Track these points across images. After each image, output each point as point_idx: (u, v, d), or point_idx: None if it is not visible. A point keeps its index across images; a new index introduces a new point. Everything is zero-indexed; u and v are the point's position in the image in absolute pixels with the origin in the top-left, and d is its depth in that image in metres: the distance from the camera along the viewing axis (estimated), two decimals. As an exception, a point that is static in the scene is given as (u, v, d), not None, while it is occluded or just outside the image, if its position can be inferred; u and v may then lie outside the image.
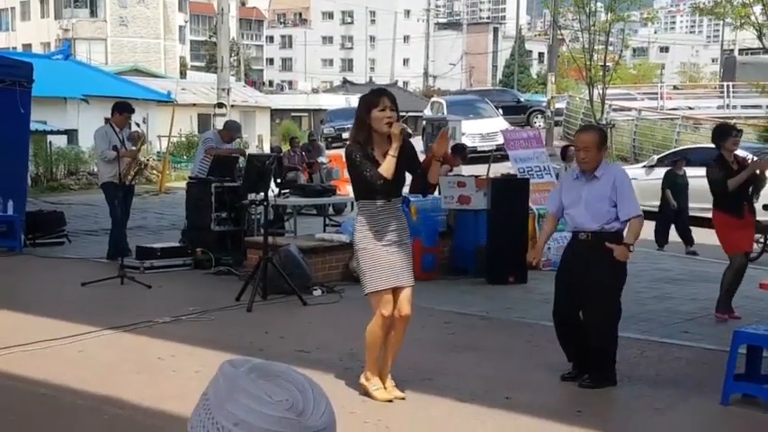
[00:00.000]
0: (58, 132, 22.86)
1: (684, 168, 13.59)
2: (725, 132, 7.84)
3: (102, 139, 10.16)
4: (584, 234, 5.51)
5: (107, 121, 10.39)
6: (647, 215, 17.76)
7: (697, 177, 15.96)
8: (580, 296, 5.50)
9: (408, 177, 5.41)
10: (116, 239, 10.10)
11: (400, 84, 58.19)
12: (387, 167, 5.04)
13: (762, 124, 23.58)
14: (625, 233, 5.53)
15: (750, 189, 7.82)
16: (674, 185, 13.38)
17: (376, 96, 5.17)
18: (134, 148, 10.19)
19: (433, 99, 33.66)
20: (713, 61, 72.86)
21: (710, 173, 7.79)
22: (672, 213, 13.24)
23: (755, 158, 8.01)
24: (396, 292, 5.11)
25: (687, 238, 13.08)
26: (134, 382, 5.53)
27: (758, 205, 14.03)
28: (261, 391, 1.07)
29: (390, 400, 5.15)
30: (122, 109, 10.35)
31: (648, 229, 15.24)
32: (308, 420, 1.06)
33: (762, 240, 11.79)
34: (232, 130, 11.30)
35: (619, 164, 23.25)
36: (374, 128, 5.09)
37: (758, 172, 7.68)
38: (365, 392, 5.22)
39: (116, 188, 9.77)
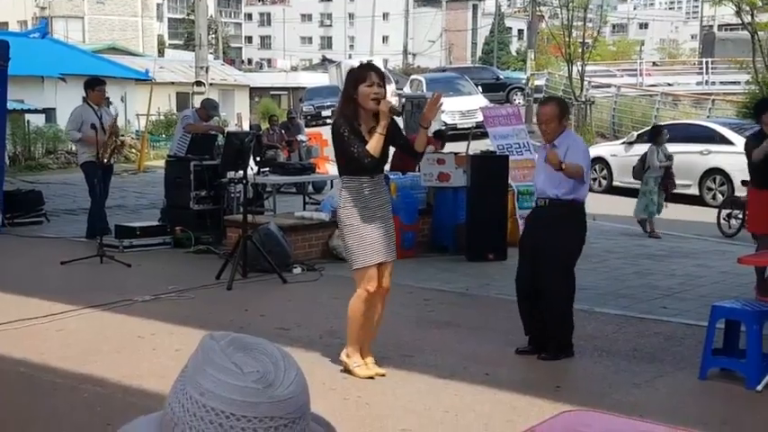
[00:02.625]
0: (36, 111, 22.62)
1: None
2: (762, 107, 7.70)
3: (74, 120, 10.04)
4: (542, 200, 5.69)
5: (84, 100, 10.26)
6: (624, 192, 17.70)
7: (678, 153, 16.12)
8: (538, 264, 5.61)
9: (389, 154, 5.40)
10: (95, 218, 10.03)
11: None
12: (374, 146, 4.96)
13: (740, 100, 23.69)
14: None
15: None
16: None
17: (363, 71, 5.04)
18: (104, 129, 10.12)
19: (412, 77, 33.53)
20: (692, 38, 72.94)
21: (746, 146, 7.74)
22: None
23: None
24: (379, 266, 5.12)
25: None
26: (114, 360, 5.52)
27: (737, 182, 14.16)
28: (229, 363, 1.09)
29: (371, 377, 5.15)
30: (94, 84, 10.23)
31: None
32: (275, 390, 1.08)
33: (740, 216, 11.86)
34: (209, 108, 11.23)
35: (598, 140, 23.36)
36: (360, 103, 4.99)
37: None
38: (346, 369, 5.23)
39: (95, 167, 9.69)
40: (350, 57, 61.09)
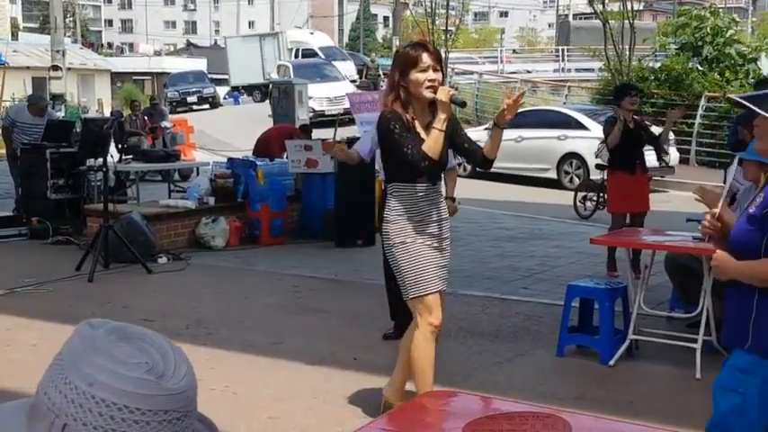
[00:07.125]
0: None
1: None
2: (622, 92, 8.04)
3: None
4: None
5: None
6: (487, 176, 18.11)
7: (536, 139, 16.69)
8: None
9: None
10: None
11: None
12: (432, 144, 3.98)
13: (594, 87, 24.71)
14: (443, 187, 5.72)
15: (649, 148, 7.98)
16: None
17: (414, 52, 4.05)
18: None
19: (279, 62, 33.28)
20: (549, 26, 75.44)
21: (604, 130, 8.08)
22: None
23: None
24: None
25: None
26: (-35, 359, 5.26)
27: (592, 165, 14.81)
28: (119, 353, 1.06)
29: None
30: None
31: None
32: (168, 383, 1.06)
33: (594, 198, 12.40)
34: (37, 102, 10.99)
35: (463, 126, 23.86)
36: (412, 92, 4.04)
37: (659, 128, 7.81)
38: None
39: None
40: (215, 42, 59.80)
